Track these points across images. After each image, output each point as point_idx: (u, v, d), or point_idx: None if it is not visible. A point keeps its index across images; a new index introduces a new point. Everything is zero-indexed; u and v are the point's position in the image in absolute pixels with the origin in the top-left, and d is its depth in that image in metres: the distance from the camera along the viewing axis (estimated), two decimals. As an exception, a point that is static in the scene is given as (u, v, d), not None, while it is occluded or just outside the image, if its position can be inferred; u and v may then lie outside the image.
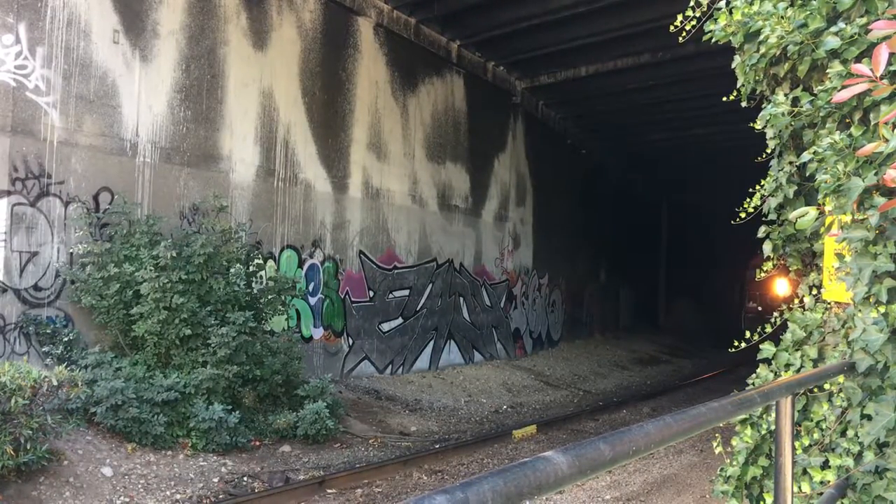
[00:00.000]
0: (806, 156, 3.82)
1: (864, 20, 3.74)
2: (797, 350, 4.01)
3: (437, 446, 10.14)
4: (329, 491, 7.94)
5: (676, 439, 1.86)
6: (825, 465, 3.58)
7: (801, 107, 4.04)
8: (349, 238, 13.52)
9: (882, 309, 3.40)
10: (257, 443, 9.20)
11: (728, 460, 4.23)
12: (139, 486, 7.54)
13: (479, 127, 17.34)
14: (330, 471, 8.62)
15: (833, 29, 3.85)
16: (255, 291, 10.07)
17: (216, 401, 8.66)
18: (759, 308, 24.98)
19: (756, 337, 4.38)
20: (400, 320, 14.72)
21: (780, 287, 23.01)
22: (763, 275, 4.63)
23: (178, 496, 7.49)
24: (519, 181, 19.41)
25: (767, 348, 4.09)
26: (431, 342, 15.60)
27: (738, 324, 24.54)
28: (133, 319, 8.82)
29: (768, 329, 4.38)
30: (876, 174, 3.37)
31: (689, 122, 21.81)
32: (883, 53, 2.57)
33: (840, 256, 3.72)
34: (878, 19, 3.44)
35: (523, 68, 18.20)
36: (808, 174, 3.97)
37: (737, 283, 29.39)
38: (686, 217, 31.38)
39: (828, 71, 3.86)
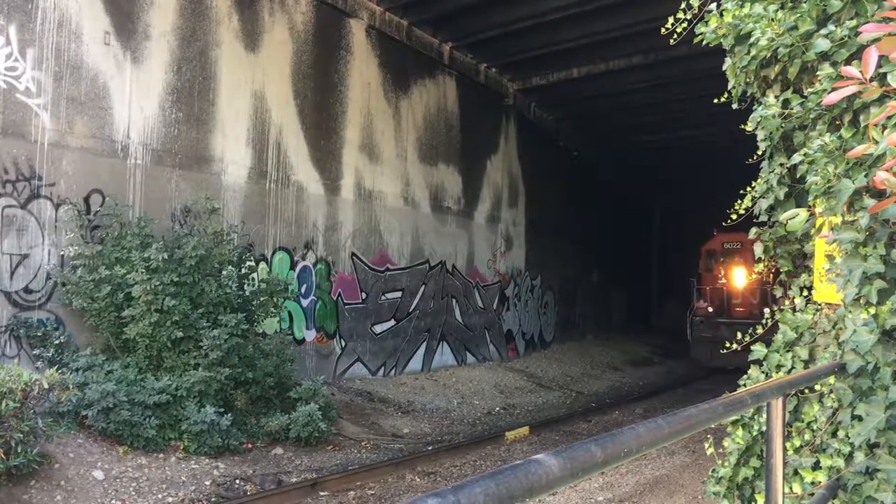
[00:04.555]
0: (797, 157, 3.84)
1: (853, 23, 3.76)
2: (788, 351, 4.03)
3: (430, 448, 10.13)
4: (321, 493, 7.92)
5: (668, 441, 1.86)
6: (816, 466, 3.60)
7: (792, 109, 4.06)
8: (341, 240, 13.49)
9: (872, 310, 3.42)
10: (249, 445, 9.17)
11: (720, 461, 4.24)
12: (131, 489, 7.51)
13: (471, 128, 17.34)
14: (322, 473, 8.60)
15: (823, 31, 3.87)
16: (247, 293, 10.04)
17: (208, 403, 8.63)
18: (710, 309, 19.24)
19: (748, 337, 4.39)
20: (392, 322, 14.70)
21: (739, 279, 18.76)
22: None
23: (169, 499, 7.45)
24: (511, 182, 19.42)
25: (759, 349, 4.10)
26: (424, 344, 15.59)
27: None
28: (124, 322, 8.77)
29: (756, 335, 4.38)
30: (866, 176, 3.39)
31: (681, 123, 21.87)
32: (872, 56, 2.58)
33: (830, 258, 3.74)
34: (868, 22, 3.45)
35: (515, 70, 18.23)
36: (798, 176, 3.98)
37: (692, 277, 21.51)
38: (679, 217, 31.41)
39: (818, 73, 3.88)
